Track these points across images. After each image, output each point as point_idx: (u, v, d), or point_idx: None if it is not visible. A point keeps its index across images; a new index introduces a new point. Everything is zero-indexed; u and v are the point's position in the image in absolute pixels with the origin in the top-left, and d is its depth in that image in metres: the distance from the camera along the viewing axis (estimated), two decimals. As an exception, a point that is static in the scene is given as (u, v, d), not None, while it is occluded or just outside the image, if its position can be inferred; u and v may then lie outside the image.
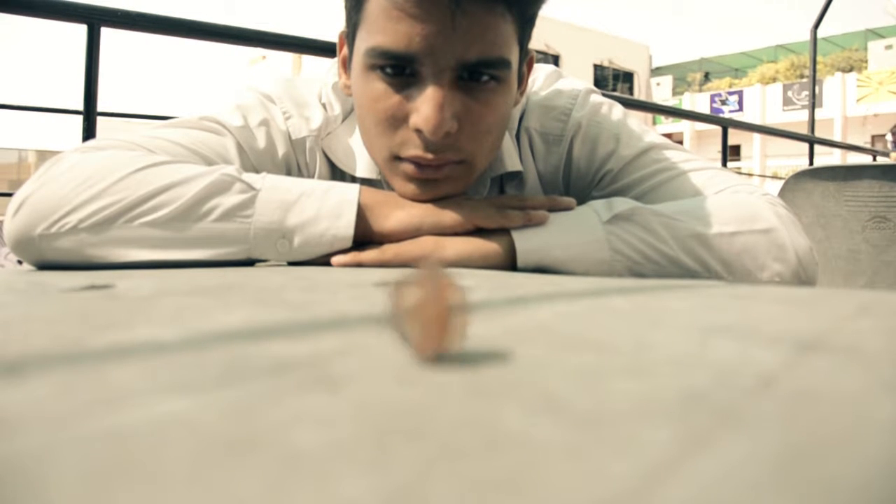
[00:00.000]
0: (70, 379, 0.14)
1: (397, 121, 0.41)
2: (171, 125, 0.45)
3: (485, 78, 0.40)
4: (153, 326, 0.19)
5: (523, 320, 0.21)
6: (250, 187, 0.40)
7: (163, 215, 0.38)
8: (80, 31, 1.04)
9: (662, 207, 0.43)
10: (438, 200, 0.43)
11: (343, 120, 0.50)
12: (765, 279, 0.42)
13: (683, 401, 0.12)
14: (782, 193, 0.83)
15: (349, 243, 0.40)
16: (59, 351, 0.16)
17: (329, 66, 0.51)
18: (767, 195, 0.46)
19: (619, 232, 0.41)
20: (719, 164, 1.66)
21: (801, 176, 0.82)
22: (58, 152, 0.41)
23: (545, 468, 0.09)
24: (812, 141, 3.26)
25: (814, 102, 3.47)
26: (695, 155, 0.50)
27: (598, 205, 0.43)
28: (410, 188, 0.43)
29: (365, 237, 0.42)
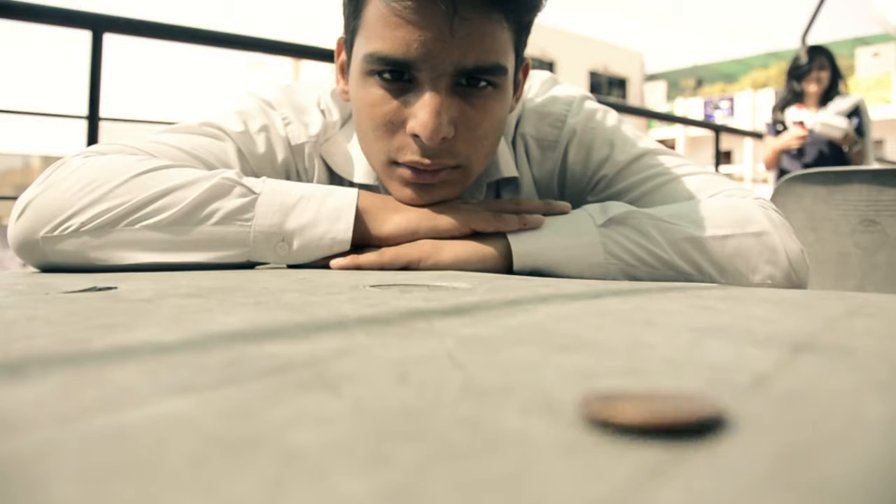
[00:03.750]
0: (72, 379, 0.14)
1: (395, 126, 0.41)
2: (172, 130, 0.46)
3: (482, 84, 0.41)
4: (154, 328, 0.19)
5: (519, 322, 0.21)
6: (250, 191, 0.40)
7: (164, 218, 0.38)
8: (84, 37, 1.05)
9: (656, 211, 0.43)
10: (435, 205, 0.44)
11: (341, 126, 0.50)
12: (757, 281, 0.42)
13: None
14: (774, 198, 0.83)
15: (347, 246, 0.41)
16: (61, 351, 0.16)
17: (328, 72, 0.52)
18: (759, 199, 0.47)
19: (613, 235, 0.41)
20: (712, 168, 1.68)
21: (792, 180, 0.83)
22: (62, 157, 0.41)
23: (542, 468, 0.09)
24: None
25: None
26: (688, 160, 0.51)
27: (592, 208, 0.43)
28: (407, 192, 0.43)
29: (363, 241, 0.42)
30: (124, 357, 0.16)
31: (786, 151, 1.89)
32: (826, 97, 1.87)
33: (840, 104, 1.86)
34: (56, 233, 0.37)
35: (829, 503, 0.08)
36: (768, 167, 1.97)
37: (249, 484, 0.09)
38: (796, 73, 1.90)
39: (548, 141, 0.51)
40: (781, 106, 1.93)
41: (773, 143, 1.92)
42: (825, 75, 1.86)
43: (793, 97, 1.91)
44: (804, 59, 1.88)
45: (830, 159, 1.85)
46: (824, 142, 1.84)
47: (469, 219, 0.42)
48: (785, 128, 1.90)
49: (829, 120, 1.79)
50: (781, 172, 1.92)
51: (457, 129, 0.41)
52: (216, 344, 0.17)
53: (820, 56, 1.88)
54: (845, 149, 1.84)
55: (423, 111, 0.39)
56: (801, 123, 1.85)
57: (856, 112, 1.85)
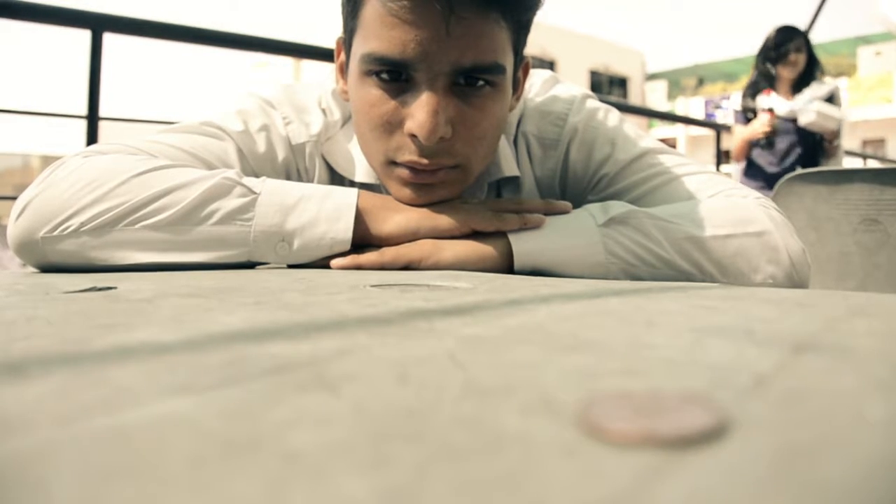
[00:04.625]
0: (72, 379, 0.14)
1: (393, 126, 0.41)
2: (172, 130, 0.46)
3: (480, 83, 0.41)
4: (154, 328, 0.19)
5: (520, 321, 0.21)
6: (250, 191, 0.40)
7: (164, 218, 0.38)
8: (84, 37, 1.05)
9: (657, 210, 0.43)
10: (435, 204, 0.44)
11: (342, 125, 0.50)
12: (758, 281, 0.42)
13: (678, 399, 0.12)
14: (775, 197, 0.83)
15: (348, 246, 0.41)
16: (61, 351, 0.16)
17: (329, 71, 0.52)
18: (760, 198, 0.47)
19: (614, 235, 0.41)
20: (713, 168, 1.64)
21: (793, 180, 0.83)
22: (61, 157, 0.41)
23: (542, 468, 0.09)
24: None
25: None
26: (689, 159, 0.51)
27: (593, 208, 0.43)
28: (406, 192, 0.43)
29: (363, 240, 0.42)
30: (124, 357, 0.16)
31: (755, 142, 1.71)
32: (801, 83, 1.68)
33: (817, 90, 1.67)
34: (56, 233, 0.37)
35: (829, 503, 0.08)
36: (736, 159, 1.78)
37: (249, 484, 0.09)
38: (769, 55, 1.69)
39: (549, 140, 0.51)
40: (753, 92, 1.74)
41: (741, 133, 1.73)
42: (802, 59, 1.67)
43: (765, 82, 1.71)
44: (773, 38, 1.68)
45: (804, 153, 1.68)
46: (794, 131, 1.66)
47: (469, 218, 0.42)
48: (756, 115, 1.72)
49: (826, 110, 1.61)
50: (749, 164, 1.75)
51: (455, 129, 0.41)
52: (216, 344, 0.17)
53: (797, 37, 1.67)
54: (817, 138, 1.66)
55: (420, 111, 0.39)
56: (770, 111, 1.67)
57: (831, 100, 1.68)
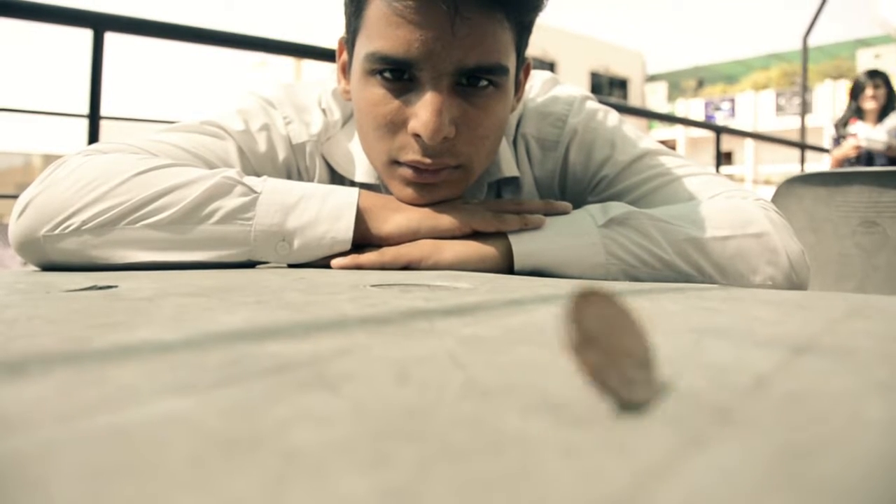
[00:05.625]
0: (72, 378, 0.14)
1: (396, 126, 0.41)
2: (173, 129, 0.46)
3: (483, 83, 0.41)
4: (155, 327, 0.19)
5: (520, 322, 0.21)
6: (251, 190, 0.40)
7: (165, 217, 0.38)
8: (85, 36, 1.05)
9: (657, 212, 0.43)
10: (436, 204, 0.44)
11: (343, 125, 0.50)
12: (757, 282, 0.42)
13: (678, 401, 0.12)
14: (775, 199, 0.83)
15: (348, 246, 0.41)
16: (61, 350, 0.16)
17: (330, 71, 0.52)
18: (760, 200, 0.47)
19: (614, 235, 0.41)
20: (713, 169, 1.68)
21: (792, 182, 0.83)
22: (63, 156, 0.41)
23: (542, 468, 0.09)
24: (803, 147, 3.29)
25: (804, 109, 3.51)
26: (689, 161, 0.51)
27: (593, 209, 0.43)
28: (408, 192, 0.43)
29: (364, 240, 0.42)
30: (125, 356, 0.16)
31: (847, 160, 2.24)
32: (883, 113, 2.23)
33: (895, 119, 2.21)
34: (57, 231, 0.37)
35: (829, 503, 0.08)
36: None
37: (249, 483, 0.09)
38: (855, 92, 2.28)
39: (549, 141, 0.51)
40: (843, 122, 2.33)
41: (834, 154, 2.31)
42: (881, 93, 2.23)
43: (853, 114, 2.28)
44: (862, 80, 2.26)
45: (886, 165, 2.15)
46: (879, 151, 2.19)
47: (470, 219, 0.42)
48: (846, 140, 2.29)
49: (870, 135, 2.18)
50: None
51: (458, 129, 0.41)
52: (217, 343, 0.17)
53: (876, 77, 2.27)
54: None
55: (424, 110, 0.39)
56: (856, 135, 2.24)
57: None
